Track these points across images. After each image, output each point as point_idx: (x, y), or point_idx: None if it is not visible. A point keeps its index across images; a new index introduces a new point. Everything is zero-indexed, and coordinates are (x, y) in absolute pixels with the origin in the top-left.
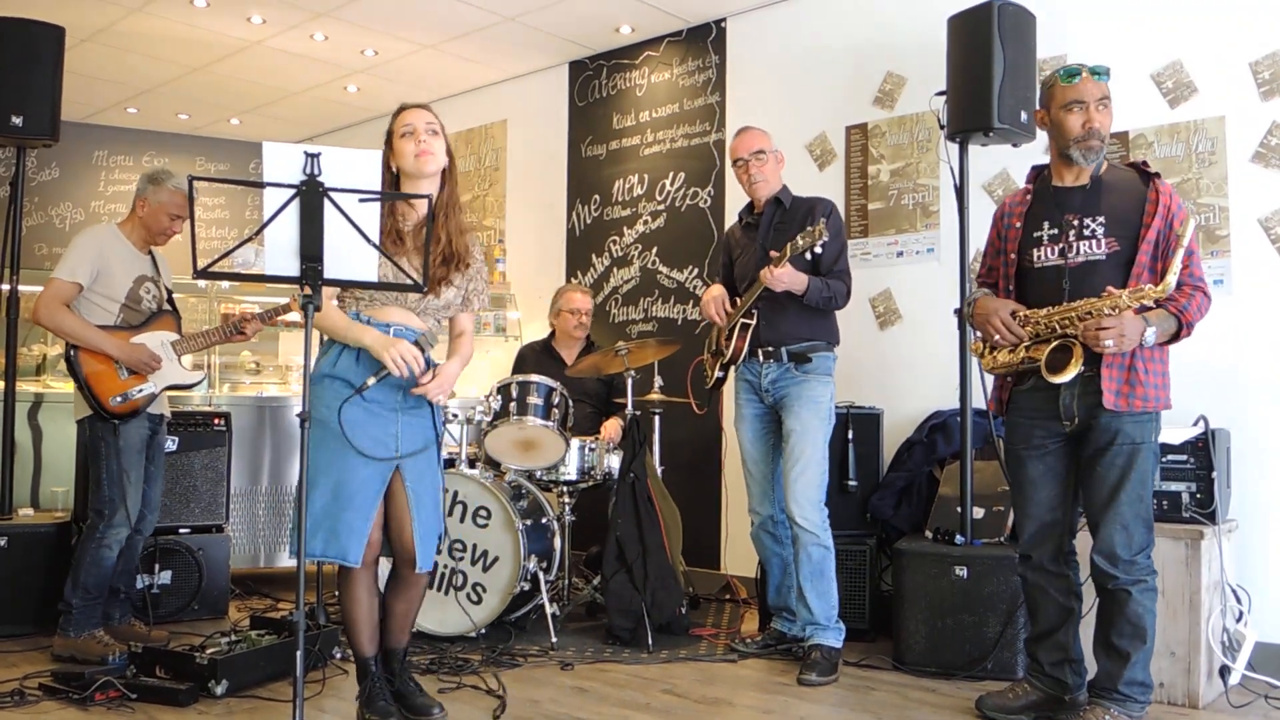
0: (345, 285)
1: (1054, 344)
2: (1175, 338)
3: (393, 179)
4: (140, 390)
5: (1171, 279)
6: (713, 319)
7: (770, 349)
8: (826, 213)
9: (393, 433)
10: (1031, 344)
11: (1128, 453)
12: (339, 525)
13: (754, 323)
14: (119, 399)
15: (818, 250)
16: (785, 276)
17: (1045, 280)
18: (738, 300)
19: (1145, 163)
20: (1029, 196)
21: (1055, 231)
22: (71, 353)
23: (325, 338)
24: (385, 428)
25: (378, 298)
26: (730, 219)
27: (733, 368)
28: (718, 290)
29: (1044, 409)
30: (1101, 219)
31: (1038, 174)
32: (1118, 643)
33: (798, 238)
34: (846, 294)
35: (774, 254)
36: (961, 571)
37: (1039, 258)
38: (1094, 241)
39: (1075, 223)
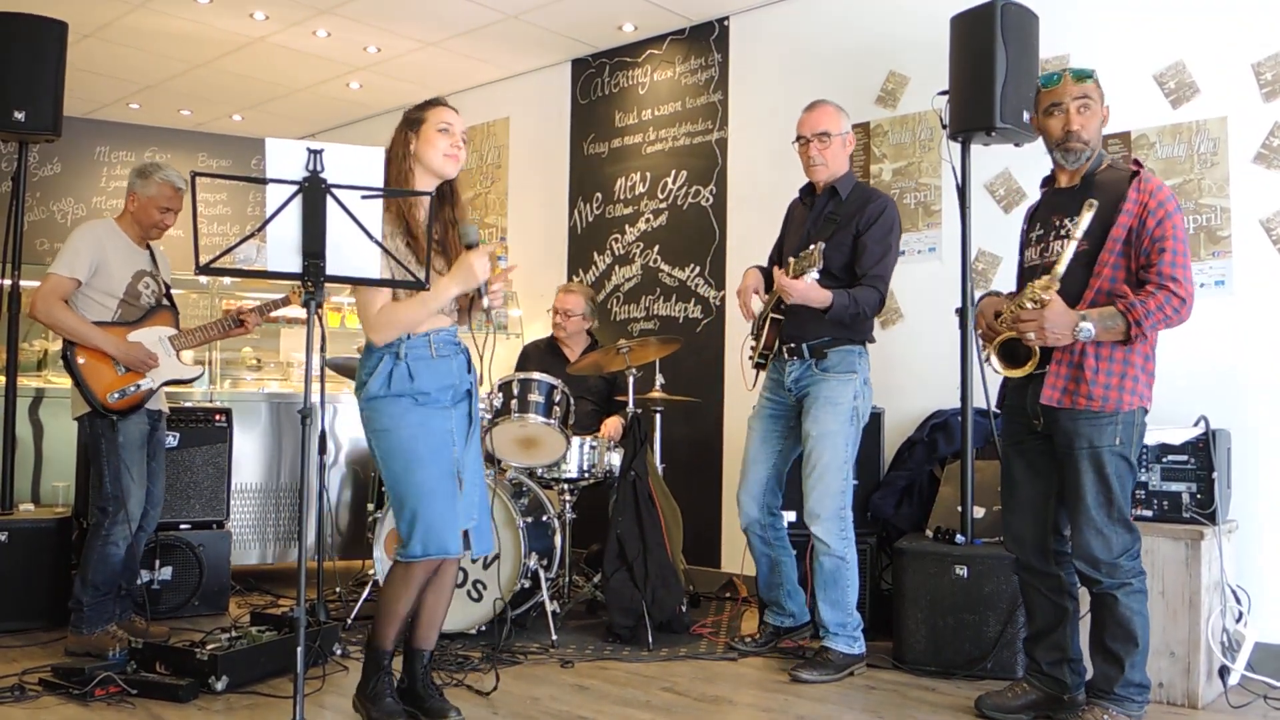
0: (346, 282)
1: (1003, 336)
2: (1127, 337)
3: (408, 158)
4: (137, 386)
5: (1059, 269)
6: (740, 308)
7: (793, 345)
8: (878, 213)
9: (449, 428)
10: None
11: (1087, 456)
12: (432, 522)
13: (783, 318)
14: (116, 395)
15: (814, 275)
16: (796, 290)
17: (1030, 279)
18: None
19: (1137, 161)
20: (1040, 200)
21: (1042, 232)
22: (68, 350)
23: (364, 354)
24: (443, 424)
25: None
26: (732, 217)
27: (770, 354)
28: (751, 279)
29: (1020, 406)
30: (1078, 219)
31: (1051, 177)
32: (1110, 645)
33: (799, 257)
34: (877, 304)
35: (790, 261)
36: (962, 571)
37: (1029, 258)
38: (1064, 241)
39: (1057, 223)
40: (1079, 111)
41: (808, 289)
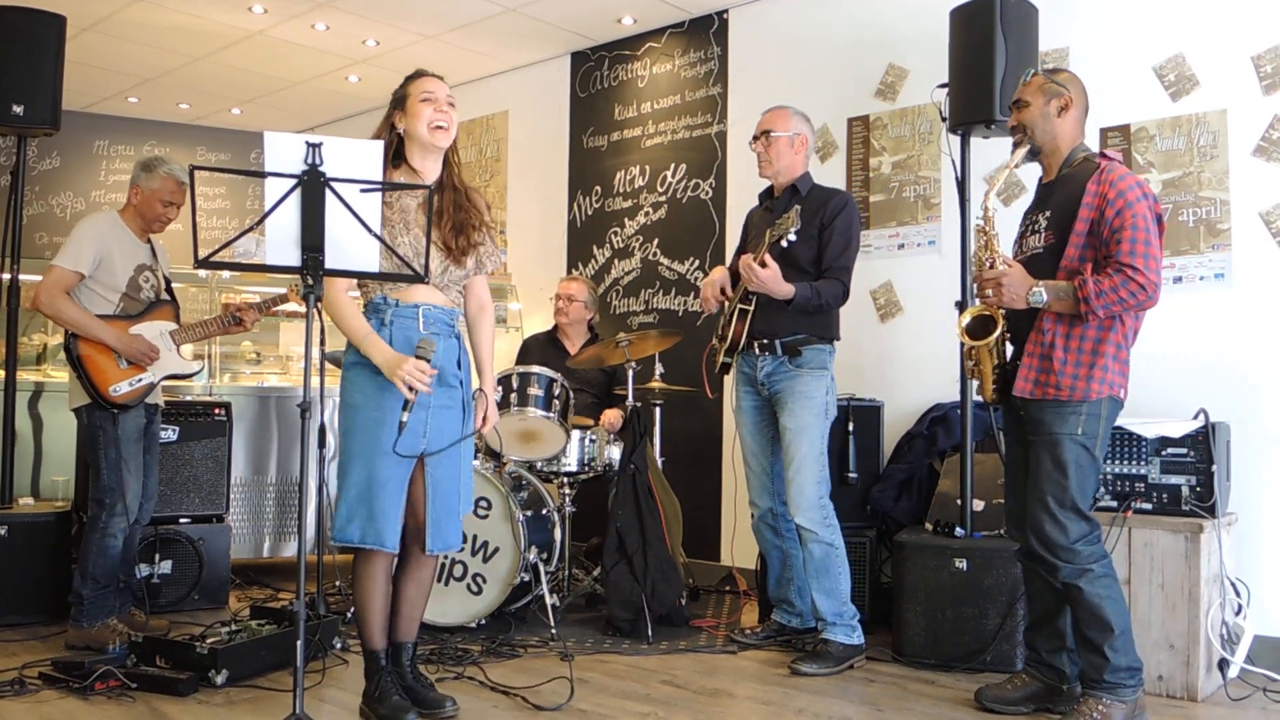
0: (345, 275)
1: (971, 313)
2: (1080, 314)
3: (396, 141)
4: (140, 380)
5: (989, 191)
6: (705, 301)
7: (765, 341)
8: (840, 207)
9: (422, 419)
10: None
11: (1048, 444)
12: (375, 511)
13: (751, 309)
14: (118, 389)
15: (792, 238)
16: (766, 278)
17: None
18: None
19: (1104, 154)
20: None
21: (1023, 229)
22: (71, 341)
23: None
24: (416, 415)
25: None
26: (731, 211)
27: (736, 352)
28: (717, 274)
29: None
30: (1048, 213)
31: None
32: (1087, 634)
33: (773, 226)
34: (843, 295)
35: (767, 231)
36: (961, 564)
37: (1015, 253)
38: (1039, 235)
39: (1034, 218)
40: (1018, 109)
41: (771, 277)
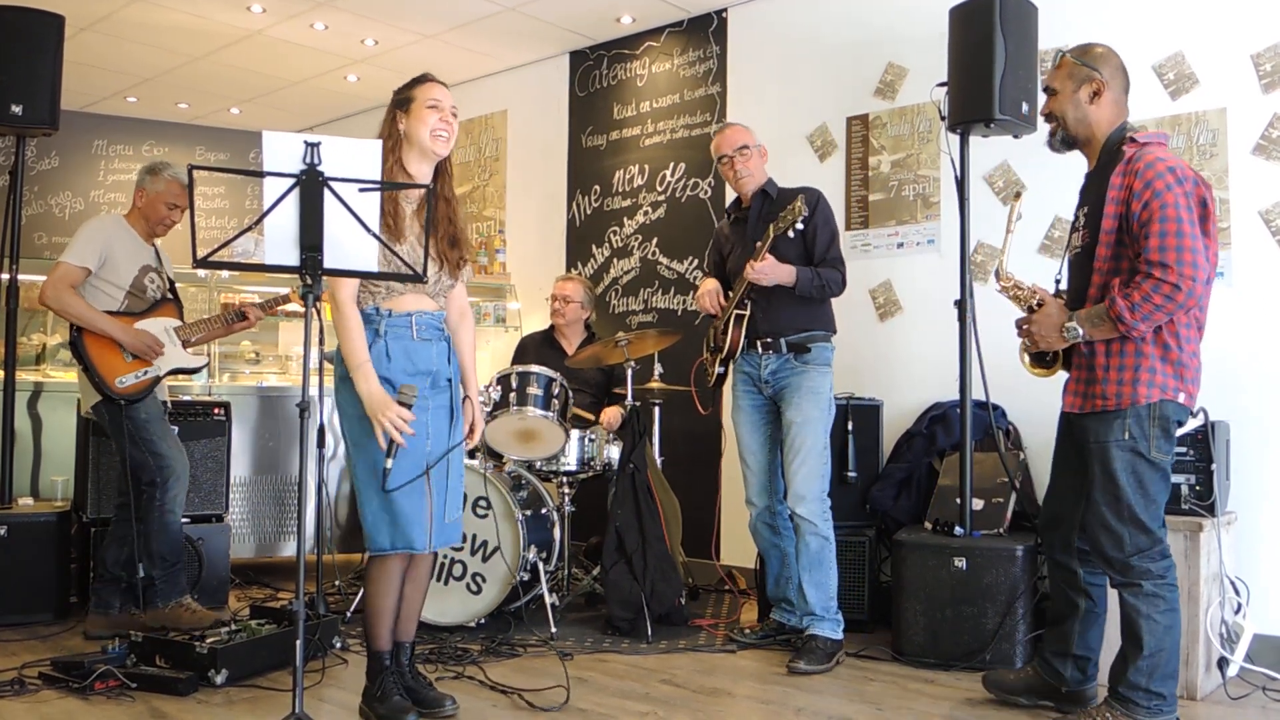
0: (344, 275)
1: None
2: (1123, 335)
3: (396, 141)
4: (145, 373)
5: (1001, 262)
6: (707, 310)
7: (769, 340)
8: (816, 201)
9: (423, 421)
10: None
11: (1097, 452)
12: (398, 517)
13: (748, 313)
14: (124, 380)
15: (799, 227)
16: (767, 269)
17: (1072, 268)
18: (730, 294)
19: (1132, 138)
20: None
21: (1071, 225)
22: (76, 336)
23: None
24: (418, 416)
25: (395, 288)
26: None
27: (731, 361)
28: (711, 283)
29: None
30: (1086, 209)
31: None
32: (1123, 641)
33: (776, 220)
34: (841, 281)
35: (757, 245)
36: (960, 563)
37: (1067, 247)
38: (1079, 233)
39: (1077, 214)
40: (1048, 97)
41: (771, 266)
